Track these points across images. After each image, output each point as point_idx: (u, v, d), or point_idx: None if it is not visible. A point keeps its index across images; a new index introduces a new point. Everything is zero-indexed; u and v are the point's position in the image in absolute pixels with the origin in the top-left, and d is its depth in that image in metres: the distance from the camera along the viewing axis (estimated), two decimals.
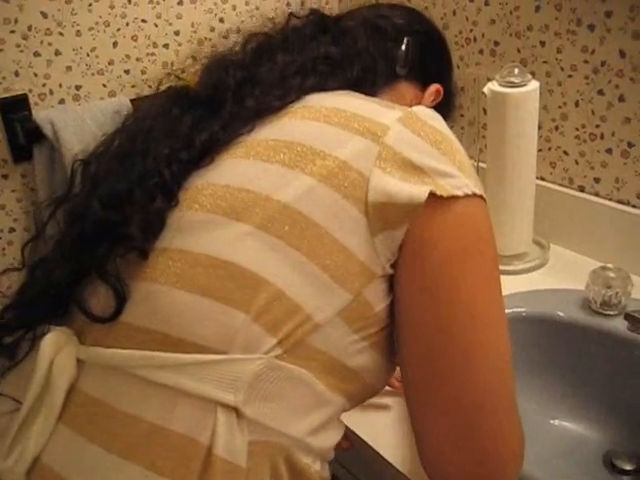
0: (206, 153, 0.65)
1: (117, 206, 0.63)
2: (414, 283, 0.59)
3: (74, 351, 0.61)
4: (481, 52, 1.30)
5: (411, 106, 0.71)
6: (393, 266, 0.60)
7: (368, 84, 0.76)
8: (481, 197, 0.61)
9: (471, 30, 1.31)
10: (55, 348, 0.60)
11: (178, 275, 0.59)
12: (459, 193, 0.59)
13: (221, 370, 0.56)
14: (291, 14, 0.83)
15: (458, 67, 1.33)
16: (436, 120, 0.64)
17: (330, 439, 0.62)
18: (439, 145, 0.61)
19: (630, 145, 1.10)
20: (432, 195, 0.58)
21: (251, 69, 0.73)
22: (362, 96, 0.71)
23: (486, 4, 1.26)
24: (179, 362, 0.56)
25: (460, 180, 0.59)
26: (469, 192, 0.59)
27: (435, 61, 0.90)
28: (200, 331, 0.57)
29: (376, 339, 0.62)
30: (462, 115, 1.35)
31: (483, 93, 1.11)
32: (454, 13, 1.33)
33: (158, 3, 1.39)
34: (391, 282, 0.61)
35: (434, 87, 0.87)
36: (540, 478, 0.73)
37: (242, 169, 0.63)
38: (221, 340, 0.56)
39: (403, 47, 0.83)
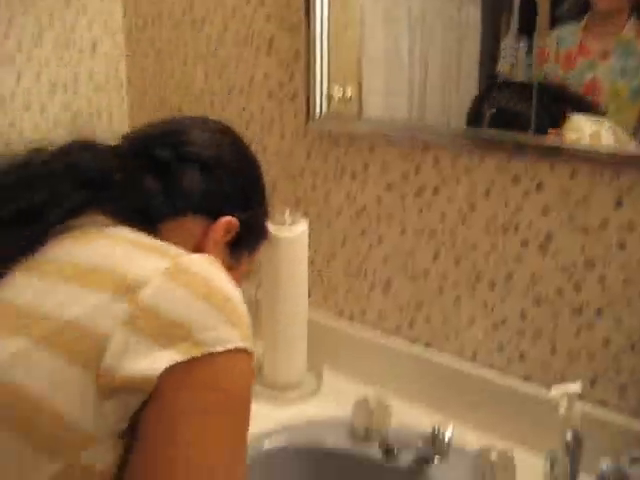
0: None
1: None
2: (149, 442, 0.57)
3: None
4: None
5: (201, 244, 0.74)
6: (133, 418, 0.58)
7: (147, 219, 0.73)
8: (246, 351, 0.60)
9: None
10: None
11: None
12: (217, 349, 0.58)
13: None
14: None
15: None
16: (210, 271, 0.62)
17: None
18: (207, 298, 0.59)
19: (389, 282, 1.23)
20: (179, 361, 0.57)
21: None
22: (133, 237, 0.67)
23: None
24: None
25: (223, 333, 0.59)
26: (231, 347, 0.59)
27: (223, 191, 0.80)
28: None
29: None
30: None
31: None
32: None
33: None
34: (126, 435, 0.58)
35: (224, 220, 0.78)
36: None
37: None
38: None
39: (182, 179, 0.77)
